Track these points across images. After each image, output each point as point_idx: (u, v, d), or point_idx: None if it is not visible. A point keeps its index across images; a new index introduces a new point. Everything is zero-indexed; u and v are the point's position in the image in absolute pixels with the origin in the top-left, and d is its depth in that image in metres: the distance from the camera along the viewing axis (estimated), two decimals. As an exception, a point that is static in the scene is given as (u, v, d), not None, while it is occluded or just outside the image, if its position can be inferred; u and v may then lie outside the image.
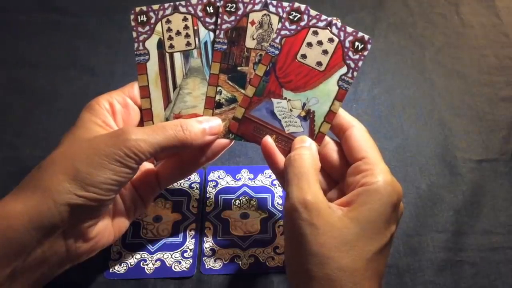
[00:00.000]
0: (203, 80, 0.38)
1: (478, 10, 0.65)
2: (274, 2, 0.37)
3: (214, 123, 0.36)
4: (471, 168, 0.49)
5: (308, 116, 0.36)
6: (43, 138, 0.50)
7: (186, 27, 0.38)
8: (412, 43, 0.61)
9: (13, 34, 0.61)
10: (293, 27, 0.36)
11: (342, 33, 0.36)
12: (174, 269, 0.41)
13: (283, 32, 0.36)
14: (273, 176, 0.47)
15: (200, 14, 0.38)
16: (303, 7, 0.36)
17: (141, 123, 0.38)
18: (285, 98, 0.36)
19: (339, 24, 0.36)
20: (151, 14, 0.38)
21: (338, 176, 0.36)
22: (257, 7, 0.37)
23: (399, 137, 0.51)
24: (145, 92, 0.38)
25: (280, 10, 0.37)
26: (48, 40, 0.60)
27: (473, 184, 0.48)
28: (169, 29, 0.38)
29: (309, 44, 0.36)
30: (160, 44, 0.38)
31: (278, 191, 0.46)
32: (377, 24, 0.63)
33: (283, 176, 0.35)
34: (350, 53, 0.36)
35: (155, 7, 0.38)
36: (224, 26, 0.37)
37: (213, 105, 0.37)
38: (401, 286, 0.41)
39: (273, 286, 0.40)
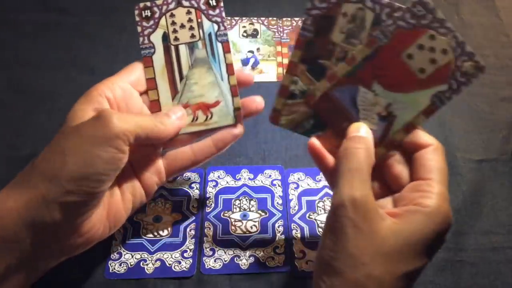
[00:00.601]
0: (208, 69, 0.39)
1: (478, 10, 0.65)
2: None
3: (179, 114, 0.37)
4: (471, 168, 0.49)
5: (388, 117, 0.34)
6: (43, 138, 0.50)
7: (190, 20, 0.39)
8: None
9: (13, 34, 0.61)
10: (413, 21, 0.32)
11: (459, 50, 0.32)
12: (174, 269, 0.41)
13: (399, 22, 0.32)
14: (273, 176, 0.47)
15: (203, 7, 0.39)
16: (432, 5, 0.32)
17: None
18: (373, 91, 0.34)
19: (460, 38, 0.32)
20: (155, 9, 0.39)
21: (395, 187, 0.35)
22: None
23: (399, 137, 0.51)
24: (152, 84, 0.38)
25: (377, 6, 0.33)
26: (48, 40, 0.60)
27: (473, 184, 0.47)
28: (173, 23, 0.39)
29: (421, 47, 0.33)
30: (165, 37, 0.39)
31: (278, 191, 0.46)
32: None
33: (331, 174, 0.34)
34: (458, 74, 0.33)
35: (159, 2, 0.39)
36: (313, 12, 0.33)
37: (286, 94, 0.35)
38: (401, 286, 0.41)
39: (273, 286, 0.40)
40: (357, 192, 0.30)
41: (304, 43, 0.34)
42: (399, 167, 0.34)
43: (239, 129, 0.39)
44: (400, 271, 0.29)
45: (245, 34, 0.62)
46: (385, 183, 0.36)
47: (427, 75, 0.33)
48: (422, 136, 0.34)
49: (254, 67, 0.58)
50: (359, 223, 0.29)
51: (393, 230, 0.30)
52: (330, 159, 0.35)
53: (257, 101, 0.39)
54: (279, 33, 0.62)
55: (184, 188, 0.46)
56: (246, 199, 0.46)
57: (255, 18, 0.64)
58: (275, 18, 0.64)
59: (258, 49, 0.60)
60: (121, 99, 0.36)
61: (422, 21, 0.32)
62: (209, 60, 0.39)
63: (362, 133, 0.34)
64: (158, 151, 0.39)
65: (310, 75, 0.35)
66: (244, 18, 0.64)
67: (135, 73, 0.38)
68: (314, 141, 0.35)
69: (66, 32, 0.61)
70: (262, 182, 0.47)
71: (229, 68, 0.39)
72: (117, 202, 0.37)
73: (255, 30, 0.62)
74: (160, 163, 0.39)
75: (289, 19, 0.64)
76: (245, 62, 0.59)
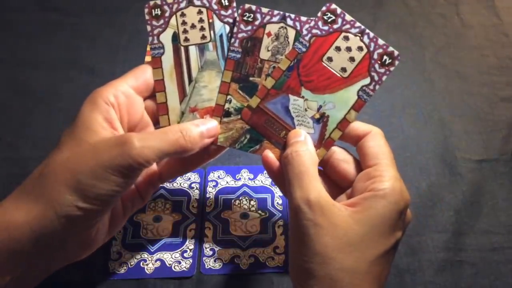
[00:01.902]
0: (218, 73, 0.38)
1: (478, 10, 0.65)
2: (292, 16, 0.36)
3: (210, 125, 0.36)
4: (471, 168, 0.49)
5: (321, 119, 0.36)
6: (43, 138, 0.50)
7: (201, 20, 0.38)
8: (412, 43, 0.61)
9: (13, 34, 0.61)
10: (326, 28, 0.36)
11: (372, 44, 0.35)
12: (174, 269, 0.41)
13: (314, 31, 0.36)
14: (273, 176, 0.47)
15: (215, 7, 0.38)
16: (339, 10, 0.36)
17: (148, 118, 0.38)
18: (303, 97, 0.36)
19: (371, 34, 0.35)
20: (166, 7, 0.37)
21: (344, 184, 0.36)
22: (274, 19, 0.36)
23: (399, 137, 0.51)
24: (160, 86, 0.37)
25: (297, 24, 0.36)
26: (48, 40, 0.60)
27: (473, 184, 0.48)
28: (184, 22, 0.38)
29: (338, 48, 0.36)
30: (175, 38, 0.38)
31: (278, 191, 0.46)
32: (377, 24, 0.63)
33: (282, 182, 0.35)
34: (377, 66, 0.35)
35: (169, 0, 0.38)
36: (240, 35, 0.36)
37: (221, 113, 0.37)
38: (401, 286, 0.41)
39: (273, 286, 0.40)
40: (309, 192, 0.31)
41: (233, 64, 0.37)
42: (343, 165, 0.36)
43: None
44: (371, 256, 0.30)
45: (245, 34, 0.62)
46: (333, 183, 0.37)
47: (349, 73, 0.36)
48: (358, 126, 0.36)
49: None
50: (318, 221, 0.30)
51: (355, 218, 0.30)
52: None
53: None
54: (279, 33, 0.62)
55: (184, 188, 0.46)
56: (246, 199, 0.46)
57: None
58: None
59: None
60: (123, 105, 0.35)
61: (334, 26, 0.36)
62: (220, 63, 0.38)
63: (301, 137, 0.35)
64: None
65: (242, 92, 0.37)
66: (244, 18, 0.64)
67: (140, 77, 0.37)
68: (268, 153, 0.36)
69: (66, 32, 0.61)
70: (262, 182, 0.47)
71: None
72: (118, 210, 0.37)
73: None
74: (155, 170, 0.39)
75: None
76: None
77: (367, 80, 0.35)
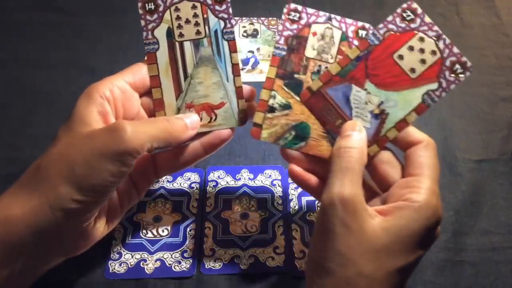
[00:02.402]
0: (214, 69, 0.38)
1: (478, 10, 0.65)
2: (338, 18, 0.37)
3: (193, 118, 0.36)
4: (471, 168, 0.49)
5: (380, 115, 0.35)
6: (43, 138, 0.50)
7: (195, 15, 0.37)
8: (412, 43, 0.61)
9: (13, 34, 0.61)
10: (402, 25, 0.35)
11: (447, 50, 0.35)
12: (174, 269, 0.41)
13: (390, 26, 0.35)
14: (273, 176, 0.47)
15: (209, 1, 0.37)
16: (420, 10, 0.36)
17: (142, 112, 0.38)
18: (366, 90, 0.35)
19: (447, 41, 0.35)
20: (159, 1, 0.37)
21: (381, 187, 0.35)
22: (320, 20, 0.37)
23: (399, 137, 0.51)
24: (155, 81, 0.37)
25: (343, 25, 0.37)
26: (48, 40, 0.60)
27: (473, 184, 0.47)
28: (178, 17, 0.37)
29: (411, 48, 0.35)
30: (170, 33, 0.37)
31: (278, 191, 0.46)
32: (377, 24, 0.63)
33: (319, 192, 0.34)
34: (447, 73, 0.35)
35: None
36: (285, 33, 0.36)
37: (265, 108, 0.36)
38: (401, 286, 0.41)
39: (273, 286, 0.40)
40: (347, 190, 0.30)
41: (279, 61, 0.37)
42: (386, 167, 0.35)
43: (228, 133, 0.39)
44: (391, 267, 0.29)
45: (245, 34, 0.62)
46: (369, 186, 0.36)
47: (418, 75, 0.35)
48: (413, 133, 0.35)
49: (254, 67, 0.58)
50: (348, 221, 0.29)
51: (383, 227, 0.30)
52: (312, 179, 0.36)
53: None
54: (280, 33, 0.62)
55: (184, 188, 0.46)
56: (246, 199, 0.46)
57: (255, 18, 0.64)
58: (275, 18, 0.64)
59: (258, 49, 0.60)
60: (118, 100, 0.35)
61: (411, 24, 0.35)
62: (215, 59, 0.38)
63: (356, 131, 0.34)
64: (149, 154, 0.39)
65: (287, 89, 0.37)
66: (244, 18, 0.64)
67: (137, 73, 0.37)
68: (294, 167, 0.36)
69: (66, 32, 0.61)
70: (262, 182, 0.47)
71: (235, 68, 0.38)
72: (115, 203, 0.37)
73: (255, 30, 0.62)
74: (150, 165, 0.39)
75: (289, 19, 0.64)
76: (245, 62, 0.58)
77: (434, 85, 0.35)
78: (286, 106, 0.36)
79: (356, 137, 0.34)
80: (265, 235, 0.43)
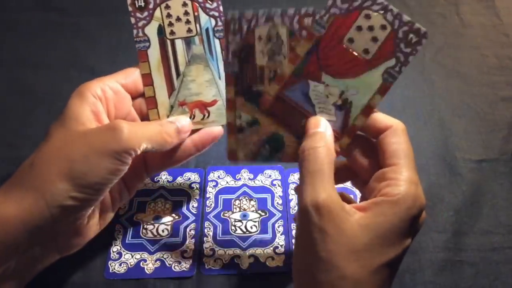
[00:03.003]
0: (206, 67, 0.38)
1: (478, 10, 0.65)
2: (278, 12, 0.34)
3: (184, 122, 0.37)
4: (471, 168, 0.49)
5: (344, 105, 0.34)
6: (43, 138, 0.50)
7: (186, 13, 0.37)
8: (412, 43, 0.61)
9: (13, 34, 0.61)
10: (345, 6, 0.32)
11: (397, 21, 0.32)
12: (174, 269, 0.41)
13: (332, 10, 0.33)
14: (273, 176, 0.47)
15: None
16: None
17: (135, 116, 0.38)
18: (323, 83, 0.34)
19: (395, 11, 0.32)
20: None
21: (367, 177, 0.34)
22: (261, 21, 0.34)
23: (399, 137, 0.51)
24: (148, 80, 0.37)
25: (286, 19, 0.34)
26: (48, 40, 0.60)
27: (473, 184, 0.47)
28: (168, 15, 0.37)
29: (359, 28, 0.33)
30: (161, 31, 0.37)
31: (278, 191, 0.46)
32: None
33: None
34: (402, 45, 0.32)
35: None
36: (230, 47, 0.34)
37: (234, 131, 0.35)
38: (401, 286, 0.41)
39: (273, 286, 0.40)
40: (319, 194, 0.29)
41: (233, 78, 0.34)
42: (362, 159, 0.34)
43: (218, 130, 0.39)
44: (375, 264, 0.29)
45: (245, 34, 0.62)
46: (356, 176, 0.36)
47: (373, 54, 0.33)
48: (381, 119, 0.34)
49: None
50: (324, 226, 0.29)
51: (362, 225, 0.29)
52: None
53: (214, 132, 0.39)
54: (279, 33, 0.62)
55: (184, 188, 0.46)
56: (246, 199, 0.46)
57: (255, 18, 0.64)
58: (275, 18, 0.64)
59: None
60: (110, 100, 0.36)
61: (354, 3, 0.32)
62: (207, 57, 0.38)
63: (321, 127, 0.33)
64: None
65: (250, 104, 0.35)
66: (244, 18, 0.64)
67: (131, 75, 0.37)
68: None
69: (66, 32, 0.61)
70: (262, 182, 0.47)
71: None
72: (107, 202, 0.37)
73: (255, 30, 0.62)
74: (141, 164, 0.39)
75: (289, 19, 0.64)
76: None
77: (392, 62, 0.33)
78: (254, 122, 0.35)
79: (319, 135, 0.33)
80: (265, 235, 0.43)
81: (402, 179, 0.30)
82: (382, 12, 0.32)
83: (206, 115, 0.38)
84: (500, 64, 0.59)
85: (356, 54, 0.33)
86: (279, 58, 0.34)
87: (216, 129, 0.39)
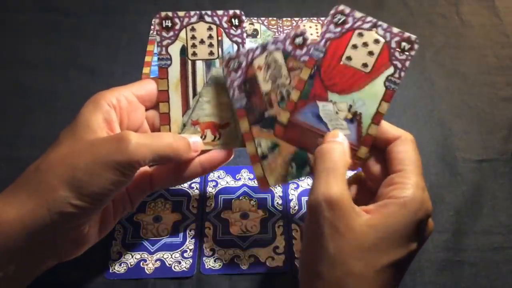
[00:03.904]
0: (223, 89, 0.38)
1: (478, 10, 0.65)
2: (272, 40, 0.37)
3: (195, 140, 0.37)
4: (471, 168, 0.49)
5: (354, 118, 0.36)
6: (43, 138, 0.50)
7: (210, 37, 0.39)
8: (412, 43, 0.61)
9: (13, 34, 0.61)
10: (338, 29, 0.36)
11: (388, 34, 0.36)
12: (174, 269, 0.41)
13: (327, 35, 0.36)
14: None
15: (225, 25, 0.39)
16: (347, 9, 0.36)
17: (146, 128, 0.38)
18: (331, 101, 0.36)
19: (384, 25, 0.36)
20: (176, 20, 0.38)
21: (376, 188, 0.35)
22: (257, 52, 0.37)
23: (399, 137, 0.51)
24: (164, 96, 0.38)
25: (280, 44, 0.37)
26: (48, 40, 0.60)
27: (473, 184, 0.47)
28: (193, 37, 0.38)
29: (354, 46, 0.36)
30: (183, 51, 0.39)
31: (278, 191, 0.46)
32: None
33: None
34: (397, 54, 0.36)
35: (181, 13, 0.39)
36: (234, 84, 0.37)
37: (258, 160, 0.36)
38: (401, 286, 0.41)
39: (273, 286, 0.40)
40: (332, 190, 0.30)
41: (244, 111, 0.37)
42: (375, 167, 0.35)
43: (227, 154, 0.39)
44: (380, 264, 0.29)
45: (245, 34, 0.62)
46: (366, 188, 0.36)
47: (371, 67, 0.36)
48: (390, 130, 0.35)
49: (254, 67, 0.58)
50: (335, 221, 0.29)
51: (370, 225, 0.30)
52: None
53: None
54: (279, 33, 0.62)
55: (184, 188, 0.46)
56: (246, 199, 0.46)
57: (255, 18, 0.64)
58: (275, 18, 0.64)
59: (258, 49, 0.60)
60: (124, 110, 0.36)
61: (345, 26, 0.36)
62: (225, 80, 0.38)
63: (339, 138, 0.34)
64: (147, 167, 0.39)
65: (266, 129, 0.37)
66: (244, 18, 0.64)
67: (146, 87, 0.38)
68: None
69: (66, 32, 0.61)
70: (262, 182, 0.47)
71: None
72: (109, 212, 0.37)
73: (255, 30, 0.62)
74: (147, 179, 0.39)
75: (289, 19, 0.64)
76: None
77: (390, 70, 0.36)
78: (274, 146, 0.36)
79: (337, 142, 0.34)
80: (265, 235, 0.43)
81: (409, 183, 0.31)
82: (373, 28, 0.36)
83: (217, 136, 0.39)
84: (500, 64, 0.59)
85: (356, 69, 0.36)
86: (281, 80, 0.37)
87: (225, 152, 0.39)
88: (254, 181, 0.47)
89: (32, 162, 0.34)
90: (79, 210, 0.31)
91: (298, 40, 0.36)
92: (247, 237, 0.43)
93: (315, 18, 0.63)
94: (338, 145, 0.33)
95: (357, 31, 0.36)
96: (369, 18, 0.36)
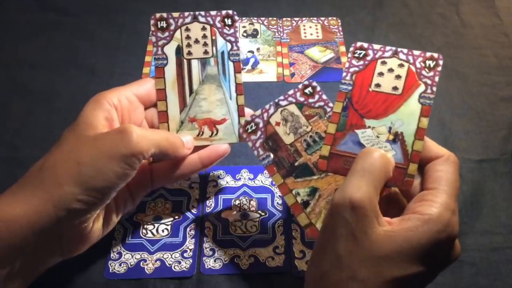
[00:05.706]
0: (218, 87, 0.40)
1: (478, 10, 0.65)
2: (281, 97, 0.38)
3: (188, 139, 0.39)
4: (471, 168, 0.49)
5: (397, 138, 0.35)
6: (43, 138, 0.50)
7: (204, 36, 0.40)
8: (412, 43, 0.61)
9: (13, 34, 0.61)
10: (361, 63, 0.37)
11: (410, 57, 0.37)
12: (174, 269, 0.41)
13: (352, 69, 0.37)
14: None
15: (219, 25, 0.40)
16: (365, 44, 0.37)
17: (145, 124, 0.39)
18: (369, 127, 0.36)
19: (405, 51, 0.37)
20: (171, 21, 0.40)
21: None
22: (271, 111, 0.38)
23: (399, 137, 0.51)
24: (162, 94, 0.39)
25: (291, 98, 0.38)
26: (48, 40, 0.60)
27: (473, 184, 0.47)
28: (188, 37, 0.40)
29: (381, 74, 0.37)
30: (179, 50, 0.40)
31: (278, 191, 0.46)
32: (377, 24, 0.63)
33: None
34: (424, 72, 0.36)
35: (175, 14, 0.40)
36: (257, 144, 0.37)
37: (301, 210, 0.36)
38: (401, 286, 0.41)
39: (273, 286, 0.40)
40: (360, 193, 0.29)
41: (273, 167, 0.37)
42: (414, 188, 0.34)
43: (225, 148, 0.41)
44: (389, 275, 0.28)
45: (245, 34, 0.62)
46: (401, 204, 0.35)
47: (402, 88, 0.36)
48: (433, 148, 0.34)
49: (254, 67, 0.58)
50: (353, 224, 0.28)
51: (387, 235, 0.29)
52: None
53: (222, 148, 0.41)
54: (279, 33, 0.62)
55: (184, 188, 0.46)
56: (246, 199, 0.46)
57: (255, 18, 0.64)
58: (275, 18, 0.64)
59: (258, 49, 0.60)
60: (125, 109, 0.37)
61: (367, 58, 0.37)
62: (220, 78, 0.40)
63: (387, 153, 0.34)
64: (147, 163, 0.40)
65: (301, 179, 0.37)
66: (244, 18, 0.64)
67: (144, 87, 0.39)
68: None
69: (66, 32, 0.61)
70: (262, 182, 0.47)
71: (238, 88, 0.40)
72: (111, 209, 0.38)
73: (255, 30, 0.62)
74: (148, 175, 0.40)
75: (289, 19, 0.64)
76: (245, 62, 0.59)
77: (422, 88, 0.36)
78: (314, 191, 0.37)
79: (382, 150, 0.33)
80: (265, 235, 0.43)
81: (438, 201, 0.30)
82: (394, 55, 0.37)
83: (215, 132, 0.40)
84: (500, 64, 0.59)
85: (387, 94, 0.36)
86: (301, 129, 0.38)
87: (223, 147, 0.41)
88: (254, 181, 0.47)
89: (32, 162, 0.34)
90: (85, 205, 0.31)
91: (308, 90, 0.38)
92: (247, 237, 0.43)
93: (315, 18, 0.63)
94: (384, 154, 0.32)
95: (379, 60, 0.37)
96: (388, 47, 0.37)
